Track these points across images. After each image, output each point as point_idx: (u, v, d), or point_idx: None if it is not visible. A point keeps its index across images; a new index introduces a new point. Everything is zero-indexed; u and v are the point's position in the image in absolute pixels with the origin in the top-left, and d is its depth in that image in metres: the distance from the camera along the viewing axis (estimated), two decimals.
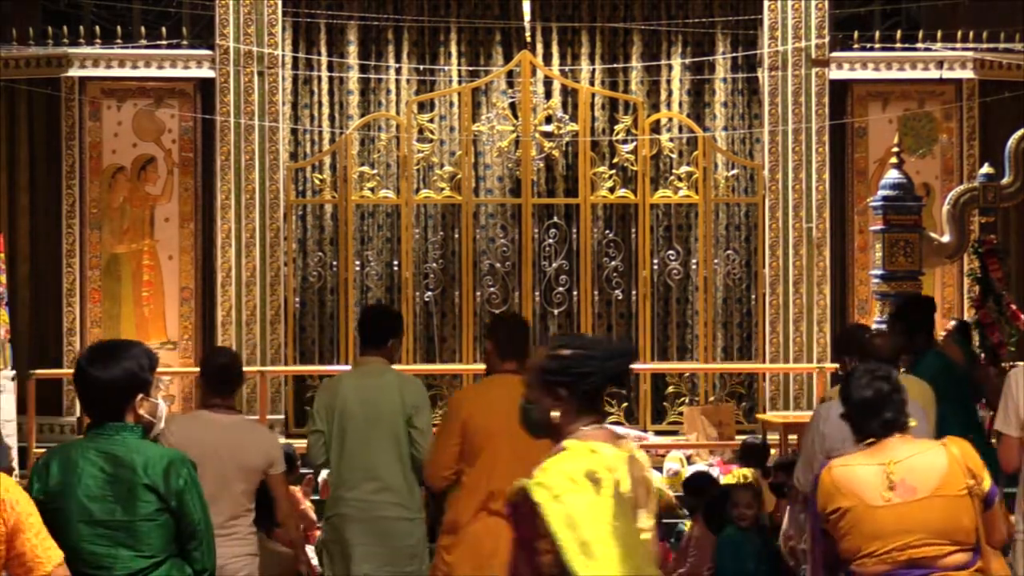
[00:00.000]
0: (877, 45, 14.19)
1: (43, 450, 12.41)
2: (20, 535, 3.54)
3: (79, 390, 4.57)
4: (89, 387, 4.52)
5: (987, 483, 4.69)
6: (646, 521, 4.02)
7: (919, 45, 14.13)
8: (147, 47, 13.75)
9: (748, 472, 10.60)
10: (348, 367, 10.05)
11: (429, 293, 14.22)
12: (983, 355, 11.87)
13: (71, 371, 13.40)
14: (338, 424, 6.72)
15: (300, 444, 10.04)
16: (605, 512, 3.75)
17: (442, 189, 14.18)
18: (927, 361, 8.06)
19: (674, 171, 14.35)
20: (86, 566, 4.36)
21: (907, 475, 4.65)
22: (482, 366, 14.13)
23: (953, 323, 11.93)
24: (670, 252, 14.38)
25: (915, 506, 4.63)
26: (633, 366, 4.09)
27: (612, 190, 14.25)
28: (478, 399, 6.00)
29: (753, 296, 14.32)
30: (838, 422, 6.22)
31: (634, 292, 14.22)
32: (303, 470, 9.67)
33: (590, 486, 3.77)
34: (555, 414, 3.94)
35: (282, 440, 12.00)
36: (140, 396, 4.53)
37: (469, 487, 5.89)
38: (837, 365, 9.57)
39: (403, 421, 6.66)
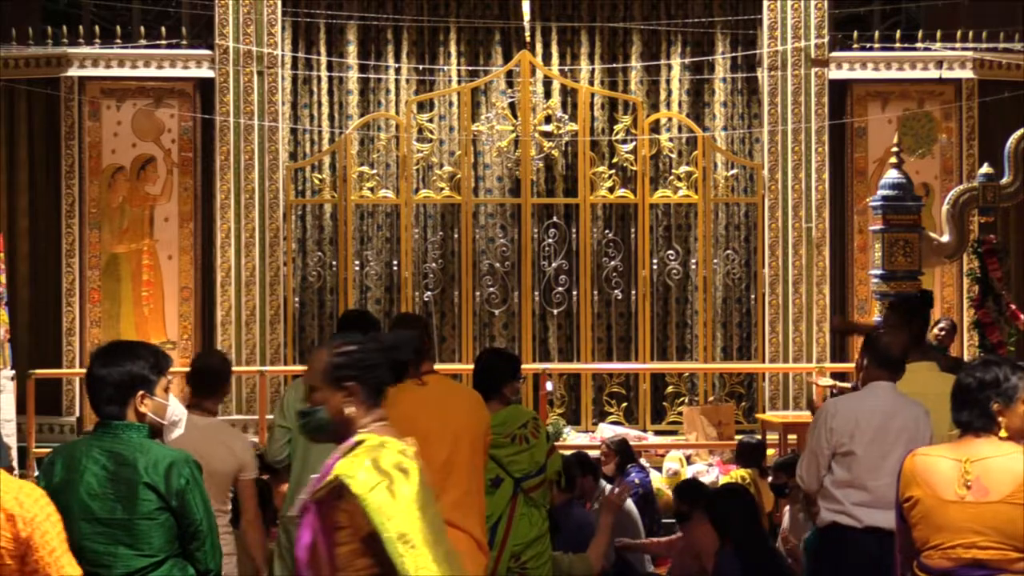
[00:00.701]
0: (877, 45, 14.19)
1: (43, 450, 12.45)
2: (34, 553, 3.47)
3: (86, 387, 4.59)
4: (92, 383, 4.55)
5: None
6: None
7: (919, 45, 14.13)
8: (146, 47, 13.75)
9: (746, 473, 10.62)
10: None
11: (428, 293, 14.22)
12: (981, 355, 11.87)
13: (71, 371, 13.50)
14: None
15: None
16: (415, 502, 3.80)
17: (442, 189, 14.18)
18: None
19: (673, 171, 14.36)
20: (87, 564, 4.36)
21: (983, 475, 4.61)
22: None
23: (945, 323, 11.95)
24: (669, 252, 14.38)
25: (985, 508, 4.59)
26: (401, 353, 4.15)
27: (611, 190, 14.25)
28: (399, 407, 5.90)
29: (753, 296, 14.32)
30: (846, 419, 6.22)
31: (633, 292, 14.22)
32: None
33: (401, 477, 3.81)
34: (350, 410, 3.96)
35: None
36: (140, 394, 4.54)
37: None
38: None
39: None
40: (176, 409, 5.43)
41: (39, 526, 3.47)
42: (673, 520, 11.62)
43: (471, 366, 13.67)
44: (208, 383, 6.51)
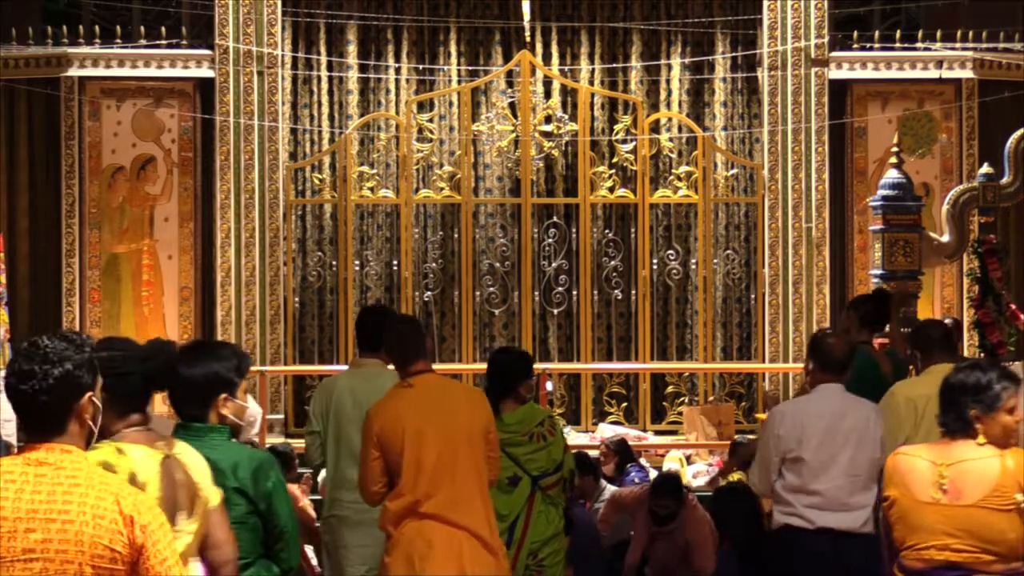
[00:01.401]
0: (877, 45, 14.19)
1: None
2: (146, 561, 3.44)
3: (169, 388, 4.56)
4: (176, 385, 4.51)
5: None
6: (186, 524, 4.02)
7: (919, 45, 14.13)
8: (147, 47, 13.75)
9: (742, 475, 10.60)
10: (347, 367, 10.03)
11: (428, 293, 14.22)
12: (982, 355, 11.87)
13: None
14: (334, 425, 6.71)
15: (299, 444, 10.05)
16: None
17: (442, 189, 14.18)
18: (859, 355, 8.00)
19: (673, 171, 14.36)
20: None
21: (957, 478, 4.61)
22: (481, 366, 14.20)
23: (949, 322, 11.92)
24: (669, 252, 14.38)
25: (959, 510, 4.60)
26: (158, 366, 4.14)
27: (611, 190, 14.25)
28: (387, 409, 5.93)
29: (752, 296, 14.32)
30: (792, 424, 6.22)
31: (633, 292, 14.22)
32: (301, 469, 9.67)
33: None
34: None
35: (281, 440, 12.03)
36: (223, 397, 4.52)
37: (395, 497, 5.84)
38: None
39: None
40: (252, 409, 5.42)
41: (152, 534, 3.44)
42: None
43: (471, 366, 13.80)
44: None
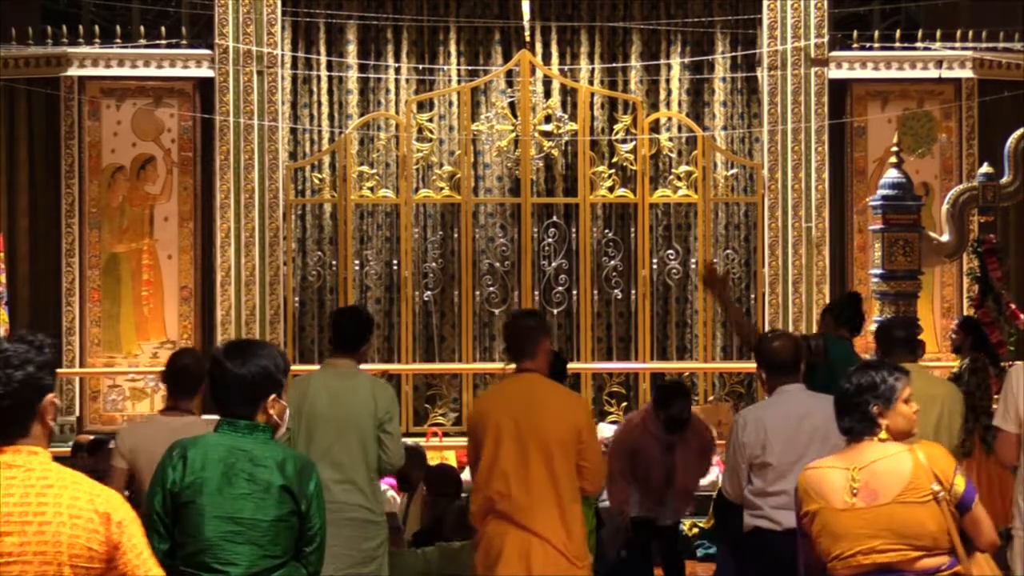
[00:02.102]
0: (876, 44, 14.20)
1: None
2: (122, 556, 3.46)
3: (213, 384, 4.53)
4: (226, 382, 4.48)
5: (960, 487, 4.63)
6: None
7: (918, 45, 14.13)
8: (146, 47, 13.75)
9: None
10: None
11: (428, 292, 14.22)
12: (983, 354, 11.88)
13: (71, 371, 13.50)
14: (306, 424, 6.70)
15: None
16: None
17: (441, 188, 14.18)
18: (837, 349, 8.01)
19: (673, 170, 14.36)
20: (214, 560, 4.36)
21: (870, 479, 4.62)
22: (481, 365, 14.24)
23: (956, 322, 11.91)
24: (669, 251, 14.38)
25: (877, 511, 4.60)
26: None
27: (611, 189, 14.25)
28: (481, 402, 6.02)
29: (753, 296, 14.32)
30: (755, 430, 6.23)
31: (633, 291, 14.22)
32: None
33: None
34: None
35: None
36: (272, 397, 4.53)
37: (476, 490, 5.90)
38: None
39: (373, 425, 6.65)
40: (288, 410, 5.42)
41: (127, 529, 3.47)
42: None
43: (471, 366, 13.79)
44: (182, 383, 6.48)
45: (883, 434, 4.69)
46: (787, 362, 6.33)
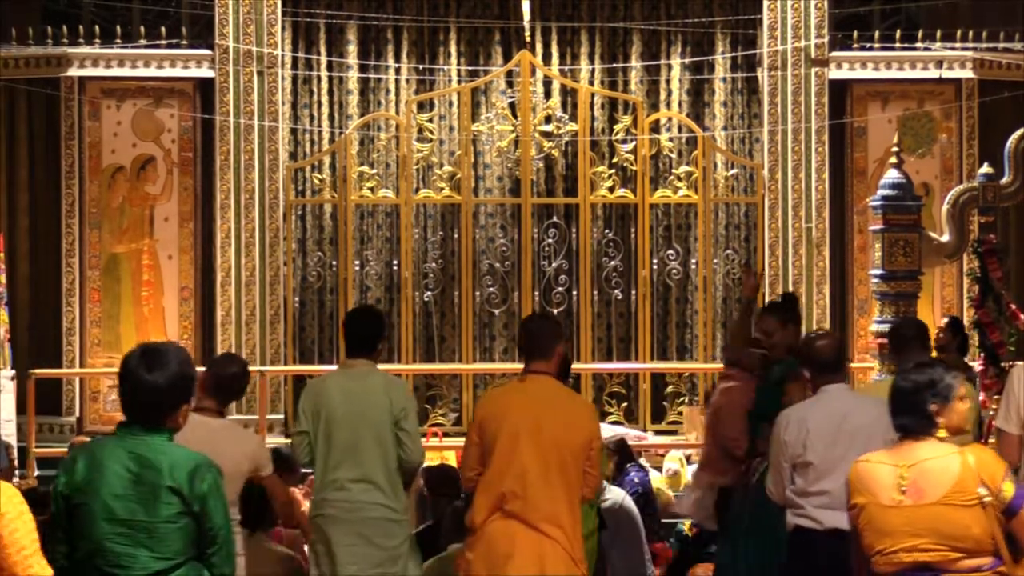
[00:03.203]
0: (876, 45, 14.19)
1: (43, 450, 12.46)
2: (3, 550, 3.45)
3: (125, 392, 4.53)
4: (138, 391, 4.48)
5: (1008, 492, 4.67)
6: None
7: (918, 45, 14.13)
8: (146, 47, 13.75)
9: None
10: None
11: (428, 293, 14.22)
12: (983, 355, 11.88)
13: (71, 371, 13.50)
14: (324, 425, 6.71)
15: None
16: None
17: (441, 189, 14.18)
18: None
19: (673, 171, 14.36)
20: (105, 564, 4.37)
21: (919, 478, 4.65)
22: (481, 366, 14.24)
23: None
24: (669, 252, 14.38)
25: (923, 510, 4.63)
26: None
27: (611, 190, 14.25)
28: (496, 400, 6.02)
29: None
30: (797, 430, 6.22)
31: (633, 292, 14.22)
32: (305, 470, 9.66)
33: None
34: None
35: (282, 441, 12.01)
36: (186, 407, 4.54)
37: (483, 487, 5.91)
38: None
39: (390, 423, 6.66)
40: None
41: (9, 523, 3.46)
42: (673, 520, 11.63)
43: (471, 366, 13.79)
44: (229, 389, 6.54)
45: (941, 432, 4.74)
46: (830, 361, 6.32)
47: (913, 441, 4.74)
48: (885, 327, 11.78)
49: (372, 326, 6.96)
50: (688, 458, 12.88)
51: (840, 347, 6.49)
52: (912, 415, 4.75)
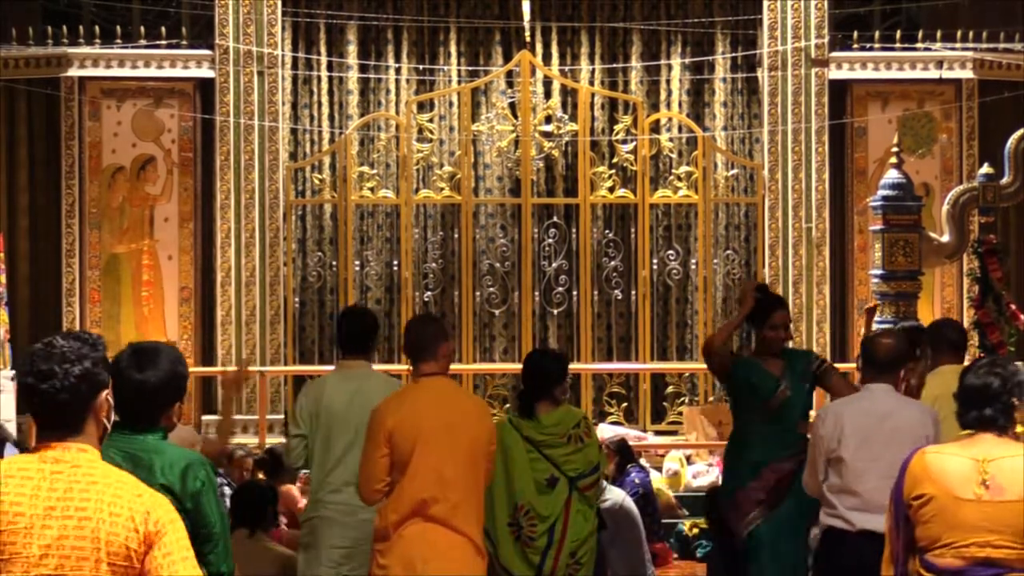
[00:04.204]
0: (877, 45, 14.20)
1: None
2: (153, 560, 3.46)
3: (116, 391, 4.53)
4: (128, 390, 4.44)
5: None
6: None
7: (919, 45, 14.13)
8: (147, 47, 13.75)
9: None
10: None
11: (429, 293, 14.22)
12: (982, 355, 11.87)
13: None
14: (323, 428, 6.69)
15: None
16: None
17: (442, 189, 14.19)
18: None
19: (674, 171, 14.36)
20: None
21: (998, 474, 4.64)
22: (481, 366, 14.23)
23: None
24: (669, 252, 14.38)
25: (1002, 507, 4.62)
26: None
27: (612, 190, 14.25)
28: (402, 408, 5.95)
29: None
30: (833, 424, 6.21)
31: (634, 292, 14.22)
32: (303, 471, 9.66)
33: None
34: None
35: (281, 441, 12.01)
36: (178, 405, 4.52)
37: (398, 495, 5.85)
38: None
39: None
40: None
41: (164, 529, 3.46)
42: (673, 520, 11.64)
43: (471, 366, 13.79)
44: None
45: (1020, 427, 4.83)
46: (883, 362, 6.27)
47: (986, 436, 4.71)
48: (885, 327, 11.80)
49: (367, 325, 6.96)
50: (688, 458, 12.89)
51: (900, 353, 6.41)
52: (997, 410, 4.72)
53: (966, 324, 12.89)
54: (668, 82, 14.58)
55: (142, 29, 13.93)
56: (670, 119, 14.52)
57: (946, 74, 14.11)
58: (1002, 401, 4.74)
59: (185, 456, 4.50)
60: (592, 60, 14.58)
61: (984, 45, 14.06)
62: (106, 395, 3.50)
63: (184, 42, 13.94)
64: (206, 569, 4.48)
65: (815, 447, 6.29)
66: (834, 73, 14.13)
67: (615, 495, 9.59)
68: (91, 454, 3.44)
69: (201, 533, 4.45)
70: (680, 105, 14.52)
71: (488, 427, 6.04)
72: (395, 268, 14.17)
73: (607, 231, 14.37)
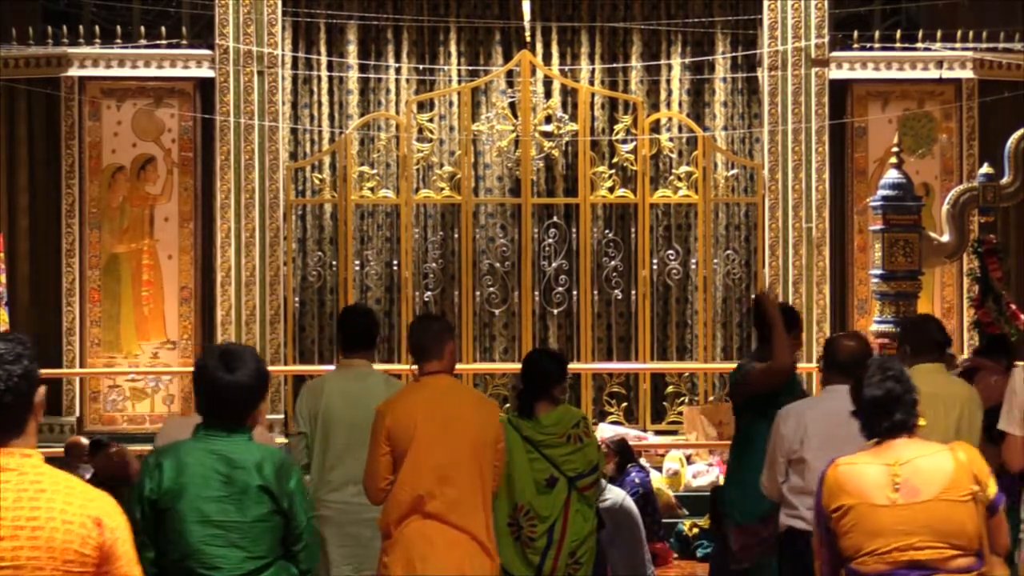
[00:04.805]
0: (877, 45, 14.20)
1: (42, 450, 12.42)
2: (115, 562, 3.45)
3: (204, 393, 4.51)
4: (220, 391, 4.47)
5: (992, 490, 4.69)
6: None
7: (919, 45, 14.13)
8: (147, 47, 13.76)
9: None
10: None
11: (429, 293, 14.22)
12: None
13: (71, 371, 13.49)
14: (322, 426, 6.70)
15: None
16: None
17: (442, 189, 14.18)
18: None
19: (674, 171, 14.36)
20: (199, 565, 4.38)
21: (912, 476, 4.64)
22: (481, 366, 14.23)
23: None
24: (670, 252, 14.38)
25: (918, 508, 4.62)
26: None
27: (612, 190, 14.25)
28: (400, 405, 5.96)
29: (753, 296, 14.31)
30: (795, 425, 6.20)
31: (634, 292, 14.22)
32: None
33: None
34: None
35: (281, 441, 12.01)
36: (262, 407, 4.55)
37: (396, 492, 5.86)
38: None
39: None
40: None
41: (120, 534, 3.45)
42: (673, 520, 11.64)
43: (471, 366, 13.79)
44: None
45: (922, 420, 4.78)
46: (846, 364, 6.25)
47: (898, 440, 4.72)
48: (885, 327, 11.80)
49: (367, 324, 6.97)
50: (688, 458, 12.89)
51: (863, 354, 6.39)
52: (901, 415, 4.74)
53: (966, 324, 12.91)
54: (668, 82, 14.58)
55: (142, 29, 13.93)
56: (670, 119, 14.52)
57: (946, 74, 14.11)
58: (906, 402, 4.75)
59: (277, 456, 4.53)
60: (592, 60, 14.58)
61: (984, 45, 14.06)
62: (43, 392, 3.48)
63: (184, 42, 13.94)
64: (297, 568, 4.49)
65: (775, 448, 6.26)
66: (834, 73, 14.13)
67: (615, 495, 9.59)
68: (35, 459, 3.41)
69: (292, 532, 4.48)
70: (680, 105, 14.52)
71: (493, 424, 6.03)
72: (395, 268, 14.17)
73: (607, 231, 14.37)
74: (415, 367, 6.23)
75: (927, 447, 4.73)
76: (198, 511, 4.39)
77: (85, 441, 10.87)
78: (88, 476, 9.85)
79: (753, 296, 9.81)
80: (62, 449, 11.02)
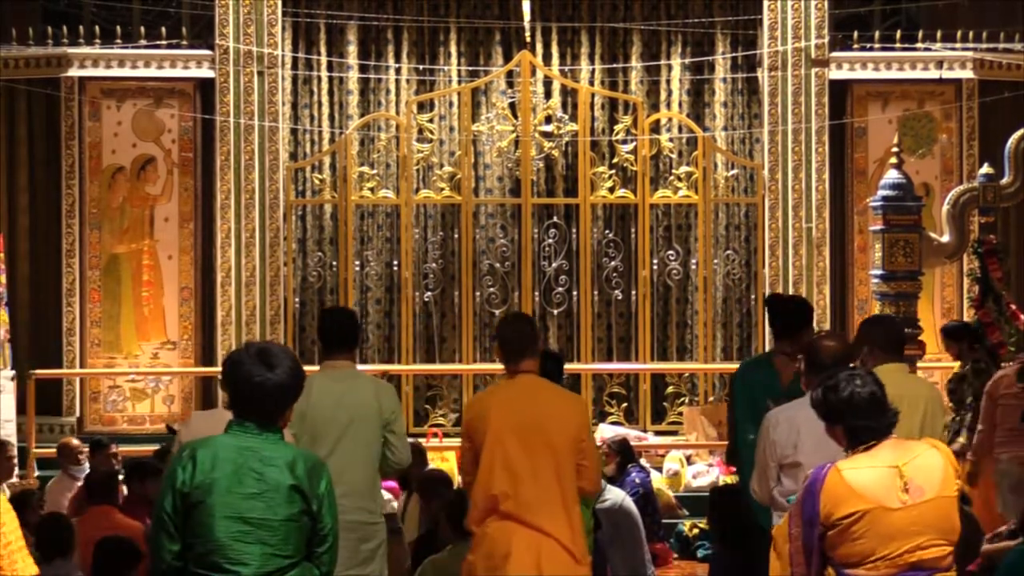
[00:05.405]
0: (877, 45, 14.20)
1: (43, 451, 12.45)
2: None
3: (240, 392, 4.51)
4: (255, 389, 4.47)
5: (960, 484, 4.79)
6: None
7: (919, 45, 14.13)
8: (147, 47, 13.75)
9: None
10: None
11: (429, 293, 14.22)
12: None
13: (71, 371, 13.50)
14: (309, 427, 6.70)
15: None
16: None
17: (442, 189, 14.18)
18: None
19: (674, 171, 14.36)
20: (224, 560, 4.37)
21: (915, 476, 4.63)
22: (481, 366, 14.23)
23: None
24: (670, 252, 14.38)
25: (925, 507, 4.62)
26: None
27: (612, 190, 14.25)
28: (480, 402, 6.03)
29: (753, 296, 14.32)
30: (787, 429, 6.16)
31: (634, 292, 14.22)
32: None
33: None
34: None
35: None
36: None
37: (476, 490, 5.91)
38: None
39: (379, 426, 6.66)
40: None
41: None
42: (673, 521, 11.64)
43: (471, 366, 13.78)
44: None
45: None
46: (827, 364, 6.20)
47: (887, 442, 4.70)
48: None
49: (351, 324, 7.00)
50: (688, 458, 12.89)
51: (845, 353, 6.35)
52: (883, 418, 4.73)
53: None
54: (668, 82, 14.58)
55: (142, 29, 13.93)
56: (670, 119, 14.52)
57: (946, 74, 14.11)
58: (887, 403, 4.76)
59: (309, 457, 4.53)
60: (592, 60, 14.58)
61: (984, 45, 14.06)
62: None
63: (184, 42, 13.94)
64: (318, 569, 4.50)
65: (766, 453, 6.19)
66: (834, 73, 14.13)
67: (615, 495, 9.59)
68: None
69: (318, 534, 4.48)
70: (680, 105, 14.52)
71: (574, 424, 6.00)
72: (395, 268, 14.17)
73: (607, 231, 14.37)
74: (502, 367, 6.25)
75: (916, 446, 4.73)
76: (228, 506, 4.39)
77: (76, 442, 10.88)
78: (82, 476, 9.88)
79: (764, 297, 9.82)
80: (54, 450, 11.04)
